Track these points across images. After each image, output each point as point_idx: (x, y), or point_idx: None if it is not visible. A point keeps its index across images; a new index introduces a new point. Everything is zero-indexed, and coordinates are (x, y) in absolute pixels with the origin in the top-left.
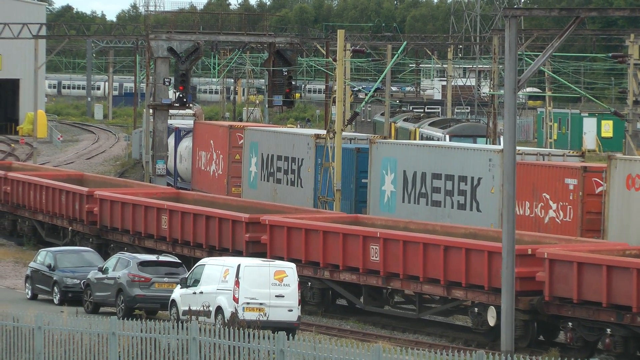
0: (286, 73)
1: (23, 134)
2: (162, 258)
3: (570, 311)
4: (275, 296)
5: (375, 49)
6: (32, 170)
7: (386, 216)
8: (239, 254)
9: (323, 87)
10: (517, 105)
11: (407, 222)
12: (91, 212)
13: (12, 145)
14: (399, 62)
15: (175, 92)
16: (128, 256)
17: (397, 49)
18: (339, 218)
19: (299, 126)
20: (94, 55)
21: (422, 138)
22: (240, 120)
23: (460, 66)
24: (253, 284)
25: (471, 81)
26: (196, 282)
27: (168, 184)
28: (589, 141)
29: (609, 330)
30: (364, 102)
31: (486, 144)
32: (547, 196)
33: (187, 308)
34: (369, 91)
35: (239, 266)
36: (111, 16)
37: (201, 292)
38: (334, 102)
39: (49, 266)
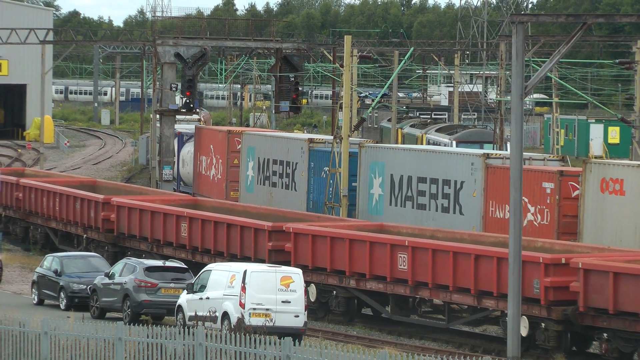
0: (293, 79)
1: (30, 139)
2: (168, 263)
3: (605, 322)
4: (282, 302)
5: (382, 55)
6: (44, 176)
7: (374, 219)
8: (261, 262)
9: (330, 93)
10: (524, 111)
11: (433, 230)
12: (107, 220)
13: (19, 150)
14: (406, 68)
15: (182, 98)
16: (134, 261)
17: (404, 55)
18: (364, 226)
19: (305, 132)
20: (101, 60)
21: (428, 144)
22: (247, 126)
23: (467, 72)
24: (259, 290)
25: (478, 87)
26: (202, 288)
27: (174, 190)
28: (596, 147)
29: None
30: (370, 108)
31: (493, 150)
32: (526, 200)
33: (193, 313)
34: (376, 97)
35: (245, 272)
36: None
37: (207, 298)
38: (341, 108)
39: (55, 271)
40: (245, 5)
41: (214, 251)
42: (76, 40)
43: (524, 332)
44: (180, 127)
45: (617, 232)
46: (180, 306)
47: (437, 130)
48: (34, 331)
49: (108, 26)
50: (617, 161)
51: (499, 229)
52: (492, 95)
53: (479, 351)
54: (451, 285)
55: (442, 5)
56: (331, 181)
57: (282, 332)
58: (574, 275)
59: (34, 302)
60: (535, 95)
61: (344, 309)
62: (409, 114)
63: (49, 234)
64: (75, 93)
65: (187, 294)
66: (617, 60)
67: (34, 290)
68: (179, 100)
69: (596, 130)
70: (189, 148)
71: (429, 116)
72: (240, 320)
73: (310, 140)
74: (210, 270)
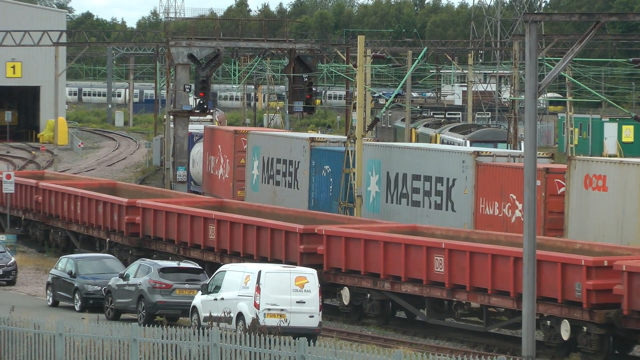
0: (307, 79)
1: (44, 141)
2: (183, 264)
3: None
4: (296, 302)
5: (396, 55)
6: (63, 179)
7: (370, 216)
8: (292, 265)
9: (343, 93)
10: (537, 110)
11: (468, 232)
12: (131, 223)
13: (33, 152)
14: (420, 68)
15: (195, 99)
16: (149, 263)
17: (417, 55)
18: (396, 228)
19: (319, 132)
20: (115, 62)
21: (442, 143)
22: (261, 126)
23: (481, 72)
24: (274, 290)
25: (492, 87)
26: (217, 289)
27: (188, 190)
28: (610, 146)
29: None
30: (384, 108)
31: (507, 149)
32: (514, 196)
33: (208, 314)
34: (390, 97)
35: (259, 272)
36: (131, 23)
37: (222, 299)
38: (355, 108)
39: (70, 273)
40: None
41: (243, 254)
42: (89, 42)
43: (565, 335)
44: (190, 128)
45: (600, 227)
46: (194, 307)
47: (451, 130)
48: (48, 333)
49: (121, 28)
50: (600, 158)
51: (488, 225)
52: (506, 95)
53: (494, 350)
54: (489, 288)
55: (456, 5)
56: (331, 179)
57: (296, 333)
58: (617, 277)
59: (49, 303)
60: (549, 94)
61: (379, 312)
62: (423, 114)
63: (69, 237)
64: (89, 95)
65: (202, 294)
66: (630, 59)
67: (48, 291)
68: (192, 101)
69: (610, 129)
70: (198, 148)
71: (442, 116)
72: (255, 320)
73: (312, 140)
74: (225, 271)
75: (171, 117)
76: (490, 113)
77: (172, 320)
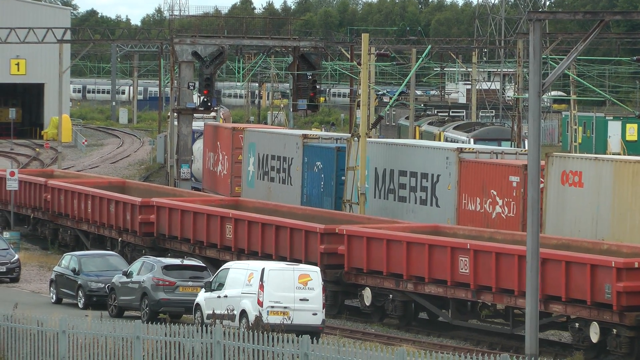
0: (311, 77)
1: (48, 139)
2: (186, 262)
3: None
4: (300, 300)
5: (400, 53)
6: (73, 177)
7: (359, 210)
8: (312, 265)
9: (348, 91)
10: (541, 108)
11: (492, 232)
12: (145, 223)
13: (37, 149)
14: (424, 66)
15: (199, 96)
16: (152, 260)
17: (421, 53)
18: (418, 228)
19: (323, 130)
20: (119, 59)
21: (446, 141)
22: (265, 124)
23: (485, 70)
24: (277, 288)
25: (496, 85)
26: (220, 286)
27: (192, 188)
28: (614, 145)
29: None
30: (388, 106)
31: (511, 147)
32: (495, 192)
33: (211, 312)
34: (394, 95)
35: (263, 270)
36: (136, 20)
37: (225, 296)
38: (359, 105)
39: (73, 270)
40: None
41: (262, 253)
42: (94, 39)
43: (594, 338)
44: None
45: (576, 223)
46: (198, 304)
47: (454, 128)
48: (52, 330)
49: (126, 25)
50: (577, 154)
51: (471, 221)
52: (510, 93)
53: (497, 348)
54: (516, 290)
55: (460, 3)
56: (323, 175)
57: (300, 330)
58: None
59: (52, 300)
60: (553, 93)
61: (401, 313)
62: (427, 112)
63: (79, 237)
64: (93, 92)
65: (205, 292)
66: (635, 57)
67: (52, 289)
68: (196, 98)
69: (614, 128)
70: (199, 145)
71: (446, 114)
72: (258, 318)
73: (305, 136)
74: (228, 268)
75: (175, 114)
76: (494, 111)
77: (176, 317)
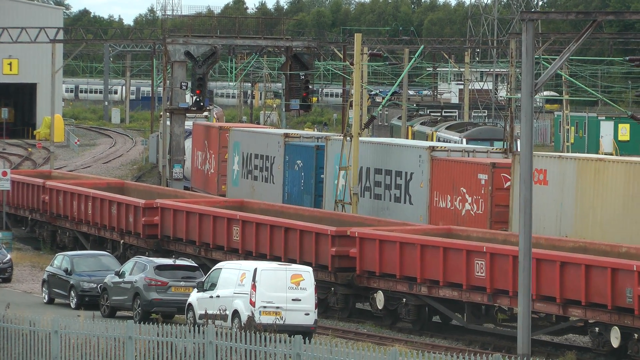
0: (303, 77)
1: (40, 138)
2: (179, 262)
3: None
4: (292, 300)
5: (393, 53)
6: (71, 178)
7: (339, 210)
8: (323, 268)
9: (340, 91)
10: (534, 108)
11: (506, 234)
12: (148, 225)
13: (29, 149)
14: (416, 66)
15: (192, 96)
16: (145, 260)
17: (414, 53)
18: (430, 230)
19: (316, 130)
20: (111, 59)
21: (439, 141)
22: (258, 124)
23: (478, 70)
24: (270, 288)
25: (488, 85)
26: (213, 286)
27: (185, 188)
28: (606, 145)
29: None
30: (381, 106)
31: (503, 147)
32: (464, 190)
33: (203, 312)
34: (386, 95)
35: (255, 270)
36: (128, 20)
37: (218, 296)
38: (351, 105)
39: (65, 270)
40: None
41: (270, 256)
42: (86, 39)
43: (615, 343)
44: None
45: (541, 220)
46: (190, 305)
47: (447, 128)
48: (44, 330)
49: (118, 25)
50: (542, 152)
51: (442, 217)
52: (503, 93)
53: (489, 348)
54: (534, 294)
55: (453, 3)
56: (303, 173)
57: (292, 330)
58: None
59: (44, 301)
60: (546, 93)
61: (415, 317)
62: (420, 112)
63: (78, 238)
64: (86, 92)
65: (198, 292)
66: (627, 58)
67: (44, 289)
68: (189, 98)
69: (606, 128)
70: (188, 144)
71: (439, 114)
72: (251, 318)
73: (286, 135)
74: (221, 268)
75: (167, 114)
76: (486, 111)
77: (168, 317)
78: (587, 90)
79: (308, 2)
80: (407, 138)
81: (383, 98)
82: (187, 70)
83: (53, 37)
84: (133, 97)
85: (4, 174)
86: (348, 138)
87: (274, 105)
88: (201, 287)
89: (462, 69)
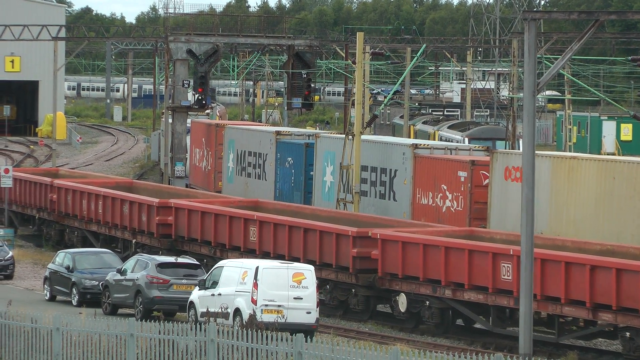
0: (305, 75)
1: (42, 136)
2: (180, 260)
3: None
4: (294, 298)
5: (395, 52)
6: (78, 177)
7: (326, 205)
8: (343, 270)
9: (342, 89)
10: (536, 108)
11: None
12: (162, 224)
13: (31, 146)
14: (418, 65)
15: (194, 94)
16: (147, 258)
17: (416, 52)
18: (453, 232)
19: (318, 128)
20: (113, 57)
21: (441, 140)
22: (260, 122)
23: (480, 69)
24: (271, 286)
25: (490, 84)
26: (214, 284)
27: (186, 185)
28: (609, 144)
29: None
30: (383, 105)
31: (505, 147)
32: (445, 187)
33: (205, 310)
34: (388, 94)
35: (257, 268)
36: (130, 18)
37: (219, 294)
38: (353, 104)
39: (67, 268)
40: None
41: (289, 257)
42: (88, 36)
43: None
44: None
45: (518, 217)
46: (192, 302)
47: (449, 127)
48: (45, 327)
49: (120, 23)
50: (518, 151)
51: (424, 214)
52: (505, 92)
53: (490, 348)
54: (563, 297)
55: (455, 2)
56: (293, 170)
57: (293, 329)
58: None
59: (46, 298)
60: (548, 92)
61: (438, 320)
62: (422, 111)
63: (87, 238)
64: (88, 89)
65: (199, 290)
66: (629, 57)
67: (46, 286)
68: (191, 96)
69: (609, 127)
70: (187, 141)
71: (441, 113)
72: (252, 316)
73: (278, 133)
74: (222, 266)
75: (169, 112)
76: (488, 110)
77: (169, 315)
78: (589, 90)
79: (310, 0)
80: (409, 137)
81: (385, 97)
82: (189, 68)
83: (55, 35)
84: (135, 95)
85: (6, 171)
86: (350, 137)
87: (276, 104)
88: (203, 285)
89: (464, 68)
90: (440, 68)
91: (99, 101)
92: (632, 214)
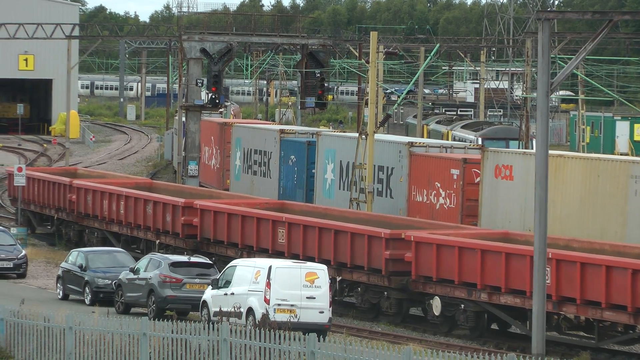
0: (319, 75)
1: (55, 134)
2: (193, 259)
3: None
4: (307, 298)
5: (408, 51)
6: (97, 177)
7: (326, 202)
8: (375, 272)
9: (355, 89)
10: (549, 108)
11: (568, 239)
12: (188, 225)
13: (45, 145)
14: (432, 65)
15: (207, 93)
16: (159, 257)
17: (430, 51)
18: (487, 234)
19: (331, 128)
20: (127, 55)
21: (454, 140)
22: (273, 121)
23: (493, 69)
24: (284, 286)
25: (504, 84)
26: (227, 284)
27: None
28: (622, 144)
29: None
30: (396, 104)
31: (518, 147)
32: (439, 185)
33: (218, 309)
34: (402, 93)
35: (270, 267)
36: (144, 17)
37: (232, 294)
38: (367, 104)
39: (80, 266)
40: (271, 1)
41: (318, 259)
42: (102, 35)
43: None
44: None
45: (507, 214)
46: (205, 302)
47: (462, 127)
48: (58, 326)
49: (134, 21)
50: (508, 149)
51: (419, 211)
52: (518, 92)
53: (503, 348)
54: (603, 302)
55: (469, 2)
56: (296, 168)
57: (306, 328)
58: None
59: (59, 297)
60: (561, 92)
61: (473, 324)
62: (435, 111)
63: (107, 238)
64: (101, 88)
65: (212, 289)
66: None
67: (58, 285)
68: (204, 95)
69: (622, 128)
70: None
71: (454, 113)
72: (265, 316)
73: (282, 131)
74: (235, 266)
75: (183, 111)
76: (502, 110)
77: (182, 314)
78: (602, 90)
79: (324, 0)
80: (422, 137)
81: (398, 96)
82: (203, 67)
83: (69, 34)
84: (149, 93)
85: (20, 169)
86: (363, 136)
87: (290, 103)
88: (216, 285)
89: (477, 68)
90: (453, 68)
91: (113, 100)
92: (615, 211)
